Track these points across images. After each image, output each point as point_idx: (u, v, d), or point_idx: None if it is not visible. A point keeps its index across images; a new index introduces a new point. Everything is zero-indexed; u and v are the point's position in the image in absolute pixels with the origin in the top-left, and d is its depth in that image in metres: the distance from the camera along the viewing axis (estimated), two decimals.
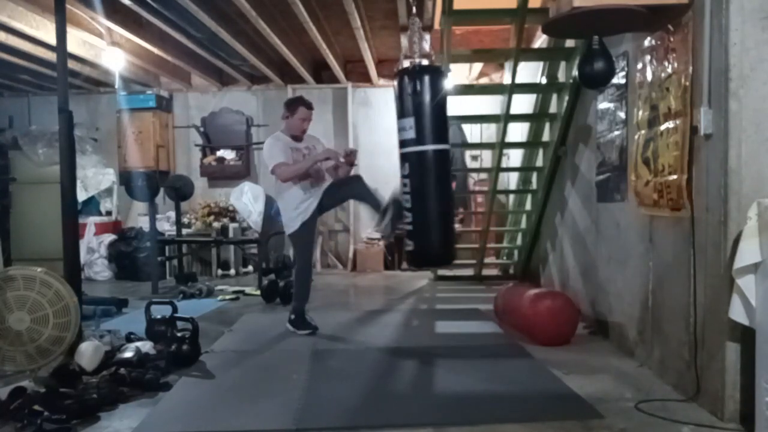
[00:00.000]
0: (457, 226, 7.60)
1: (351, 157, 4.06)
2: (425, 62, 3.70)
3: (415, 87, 3.46)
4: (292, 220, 4.01)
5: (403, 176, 3.58)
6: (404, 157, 3.57)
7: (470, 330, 4.24)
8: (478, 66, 7.28)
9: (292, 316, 4.15)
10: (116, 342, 3.50)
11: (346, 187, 4.06)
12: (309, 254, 4.22)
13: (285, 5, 4.87)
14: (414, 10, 3.74)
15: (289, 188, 3.99)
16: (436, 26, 5.53)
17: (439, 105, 3.52)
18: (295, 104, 4.06)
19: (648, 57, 3.12)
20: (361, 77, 7.76)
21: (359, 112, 7.97)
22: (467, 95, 6.52)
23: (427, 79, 3.49)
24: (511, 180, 7.05)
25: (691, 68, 2.64)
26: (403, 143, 3.57)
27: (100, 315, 4.47)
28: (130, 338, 3.58)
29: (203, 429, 2.52)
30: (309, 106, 4.06)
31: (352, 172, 4.19)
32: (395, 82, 3.64)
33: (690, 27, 2.64)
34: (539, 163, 5.56)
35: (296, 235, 4.05)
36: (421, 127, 3.48)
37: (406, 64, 3.79)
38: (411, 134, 3.48)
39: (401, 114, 3.56)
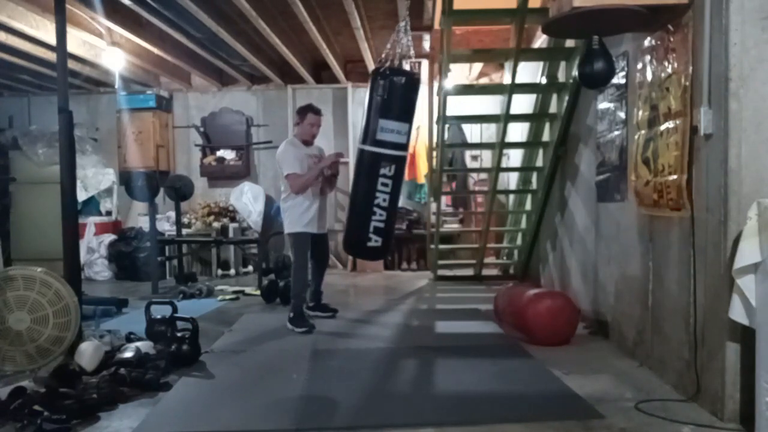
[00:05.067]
0: (457, 226, 7.65)
1: (334, 166, 4.39)
2: (407, 65, 3.75)
3: (411, 93, 3.48)
4: (295, 222, 4.24)
5: (385, 177, 3.57)
6: (392, 160, 3.55)
7: (470, 330, 4.24)
8: (478, 66, 7.27)
9: (291, 314, 4.25)
10: (116, 342, 3.50)
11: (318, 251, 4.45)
12: (306, 254, 4.33)
13: (285, 5, 4.87)
14: (407, 13, 3.75)
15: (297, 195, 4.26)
16: (436, 26, 5.53)
17: None
18: (304, 111, 4.44)
19: (648, 57, 3.12)
20: (361, 77, 7.74)
21: (359, 112, 7.91)
22: (467, 95, 6.52)
23: (416, 86, 3.52)
24: (511, 180, 7.05)
25: (691, 68, 2.64)
26: (394, 146, 3.54)
27: (100, 315, 4.47)
28: (130, 338, 3.58)
29: (203, 429, 2.51)
30: (317, 112, 4.44)
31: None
32: (391, 80, 3.59)
33: (690, 27, 2.64)
34: (539, 163, 5.56)
35: (295, 236, 4.28)
36: (409, 134, 3.52)
37: (406, 65, 3.79)
38: (403, 139, 3.47)
39: (397, 116, 3.53)
